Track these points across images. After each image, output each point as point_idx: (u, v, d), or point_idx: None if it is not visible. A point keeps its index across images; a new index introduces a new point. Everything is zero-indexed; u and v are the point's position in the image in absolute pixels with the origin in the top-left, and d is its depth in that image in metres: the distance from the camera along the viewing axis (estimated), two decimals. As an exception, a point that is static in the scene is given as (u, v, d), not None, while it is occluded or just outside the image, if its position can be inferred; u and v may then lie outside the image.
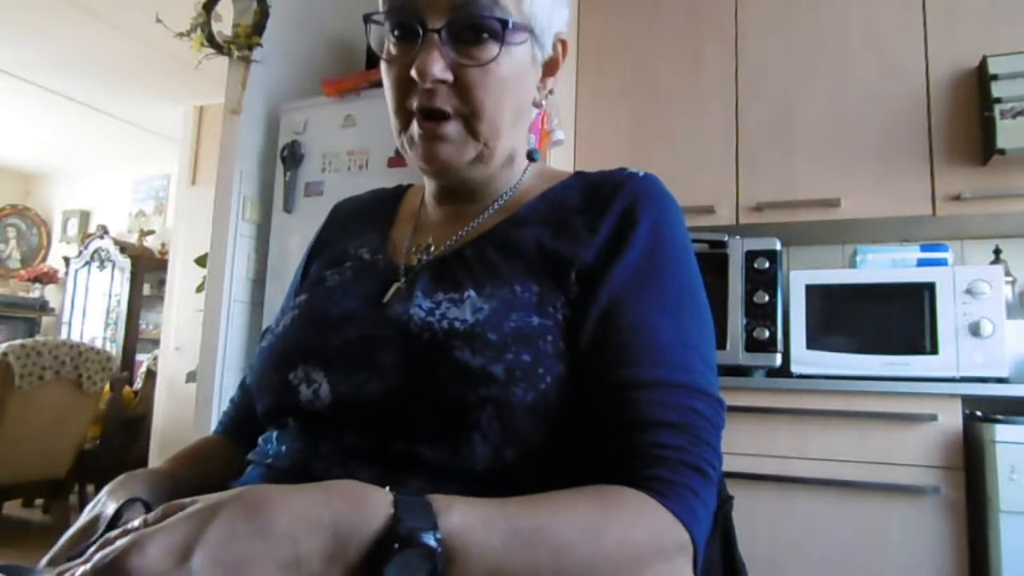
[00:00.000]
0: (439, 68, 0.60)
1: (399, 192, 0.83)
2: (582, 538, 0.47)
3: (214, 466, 0.74)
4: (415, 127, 0.63)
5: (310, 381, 0.62)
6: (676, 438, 0.55)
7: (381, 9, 0.64)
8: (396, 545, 0.39)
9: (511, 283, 0.62)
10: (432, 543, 0.41)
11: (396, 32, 0.63)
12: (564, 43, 0.70)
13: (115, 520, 0.54)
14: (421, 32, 0.61)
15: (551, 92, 0.71)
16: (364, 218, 0.80)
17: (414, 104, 0.63)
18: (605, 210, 0.65)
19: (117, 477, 0.62)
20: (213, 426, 0.85)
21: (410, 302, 0.63)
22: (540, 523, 0.46)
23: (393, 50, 0.64)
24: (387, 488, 0.43)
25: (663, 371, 0.58)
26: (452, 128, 0.63)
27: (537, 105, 0.70)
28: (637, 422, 0.56)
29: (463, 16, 0.60)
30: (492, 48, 0.61)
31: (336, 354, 0.62)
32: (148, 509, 0.57)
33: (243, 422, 0.79)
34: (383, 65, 0.65)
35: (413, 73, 0.60)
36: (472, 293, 0.62)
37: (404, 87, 0.63)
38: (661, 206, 0.66)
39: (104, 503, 0.59)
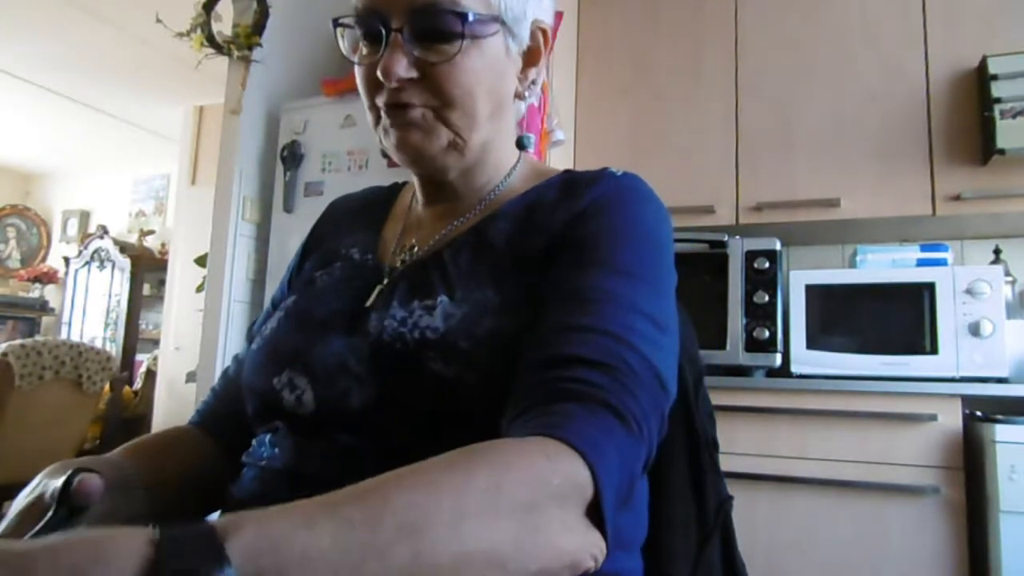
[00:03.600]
0: (403, 68, 0.60)
1: (394, 190, 0.83)
2: (439, 502, 0.38)
3: (176, 458, 0.70)
4: (385, 119, 0.64)
5: (293, 387, 0.62)
6: (594, 375, 0.50)
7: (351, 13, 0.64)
8: None
9: (483, 286, 0.61)
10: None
11: (363, 34, 0.63)
12: (545, 32, 0.68)
13: (65, 492, 0.47)
14: (384, 33, 0.60)
15: (534, 83, 0.70)
16: (358, 216, 0.80)
17: (382, 100, 0.63)
18: (573, 201, 0.65)
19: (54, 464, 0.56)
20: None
21: (386, 311, 0.62)
22: (379, 502, 0.37)
23: (364, 51, 0.64)
24: (151, 526, 0.32)
25: (599, 321, 0.54)
26: (418, 113, 0.62)
27: (520, 97, 0.69)
28: (554, 357, 0.52)
29: (423, 13, 0.59)
30: (456, 42, 0.60)
31: (318, 361, 0.62)
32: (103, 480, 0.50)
33: (221, 414, 0.77)
34: (355, 67, 0.65)
35: (379, 74, 0.60)
36: (444, 299, 0.61)
37: (373, 87, 0.63)
38: (631, 197, 0.65)
39: (45, 484, 0.52)
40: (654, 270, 0.60)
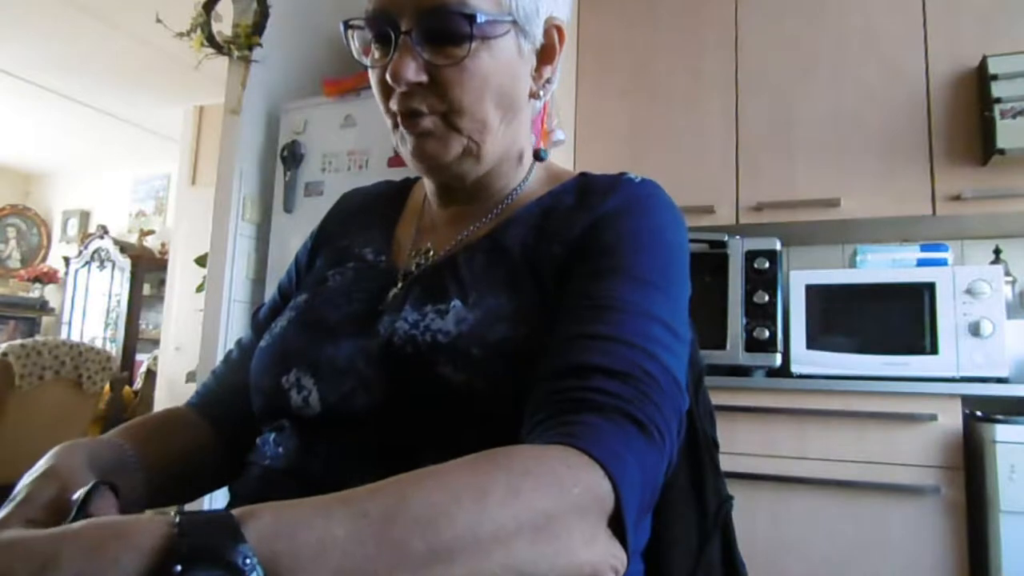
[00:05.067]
0: (411, 71, 0.59)
1: (406, 185, 0.82)
2: (457, 502, 0.37)
3: (174, 441, 0.70)
4: (401, 126, 0.63)
5: (300, 387, 0.62)
6: (614, 385, 0.49)
7: (363, 15, 0.63)
8: (178, 568, 0.30)
9: (497, 292, 0.61)
10: (236, 559, 0.31)
11: (374, 37, 0.63)
12: (560, 28, 0.66)
13: (84, 507, 0.47)
14: (394, 35, 0.60)
15: (548, 81, 0.68)
16: (370, 213, 0.79)
17: (395, 106, 0.62)
18: (591, 208, 0.64)
19: (58, 446, 0.55)
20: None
21: (398, 314, 0.62)
22: (396, 499, 0.37)
23: (376, 54, 0.63)
24: (173, 513, 0.34)
25: (618, 330, 0.53)
26: (431, 122, 0.61)
27: (535, 96, 0.68)
28: (573, 367, 0.51)
29: (431, 15, 0.58)
30: (465, 45, 0.59)
31: (326, 364, 0.62)
32: (116, 493, 0.50)
33: (220, 399, 0.76)
34: (369, 70, 0.65)
35: (387, 77, 0.60)
36: (457, 303, 0.61)
37: (386, 90, 0.62)
38: (649, 205, 0.64)
39: (53, 473, 0.50)
40: (671, 278, 0.60)
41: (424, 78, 0.60)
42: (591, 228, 0.62)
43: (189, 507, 0.71)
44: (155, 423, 0.71)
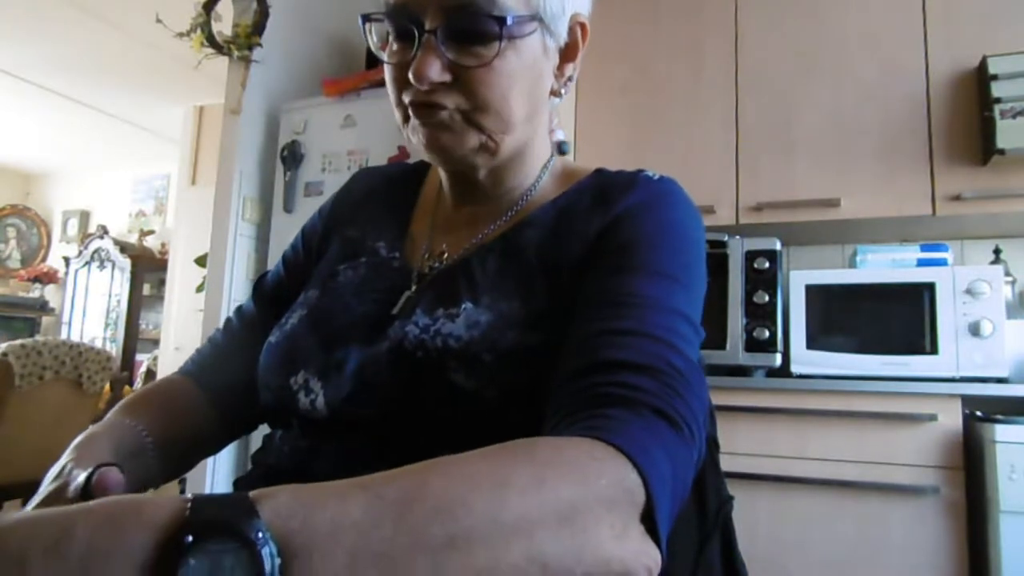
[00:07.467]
0: (435, 71, 0.57)
1: (420, 171, 0.80)
2: (478, 490, 0.36)
3: (180, 416, 0.70)
4: (413, 118, 0.62)
5: (308, 390, 0.62)
6: (641, 380, 0.48)
7: (382, 9, 0.62)
8: (189, 538, 0.30)
9: (509, 297, 0.60)
10: (249, 533, 0.31)
11: (394, 32, 0.61)
12: (584, 26, 0.66)
13: (87, 488, 0.49)
14: (417, 33, 0.58)
15: (570, 79, 0.67)
16: (384, 201, 0.77)
17: (409, 98, 0.61)
18: (609, 208, 0.63)
19: (81, 436, 0.57)
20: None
21: (409, 318, 0.61)
22: (415, 484, 0.36)
23: (394, 47, 0.62)
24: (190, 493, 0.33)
25: (641, 324, 0.53)
26: (447, 115, 0.60)
27: (556, 94, 0.67)
28: (598, 363, 0.50)
29: (458, 15, 0.57)
30: (493, 45, 0.57)
31: (335, 368, 0.61)
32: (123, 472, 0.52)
33: (219, 369, 0.76)
34: (385, 64, 0.64)
35: (410, 76, 0.58)
36: (468, 305, 0.60)
37: (401, 85, 0.61)
38: (667, 201, 0.64)
39: (70, 470, 0.52)
40: (691, 274, 0.60)
41: (448, 78, 0.58)
42: (610, 226, 0.62)
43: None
44: (161, 399, 0.72)
